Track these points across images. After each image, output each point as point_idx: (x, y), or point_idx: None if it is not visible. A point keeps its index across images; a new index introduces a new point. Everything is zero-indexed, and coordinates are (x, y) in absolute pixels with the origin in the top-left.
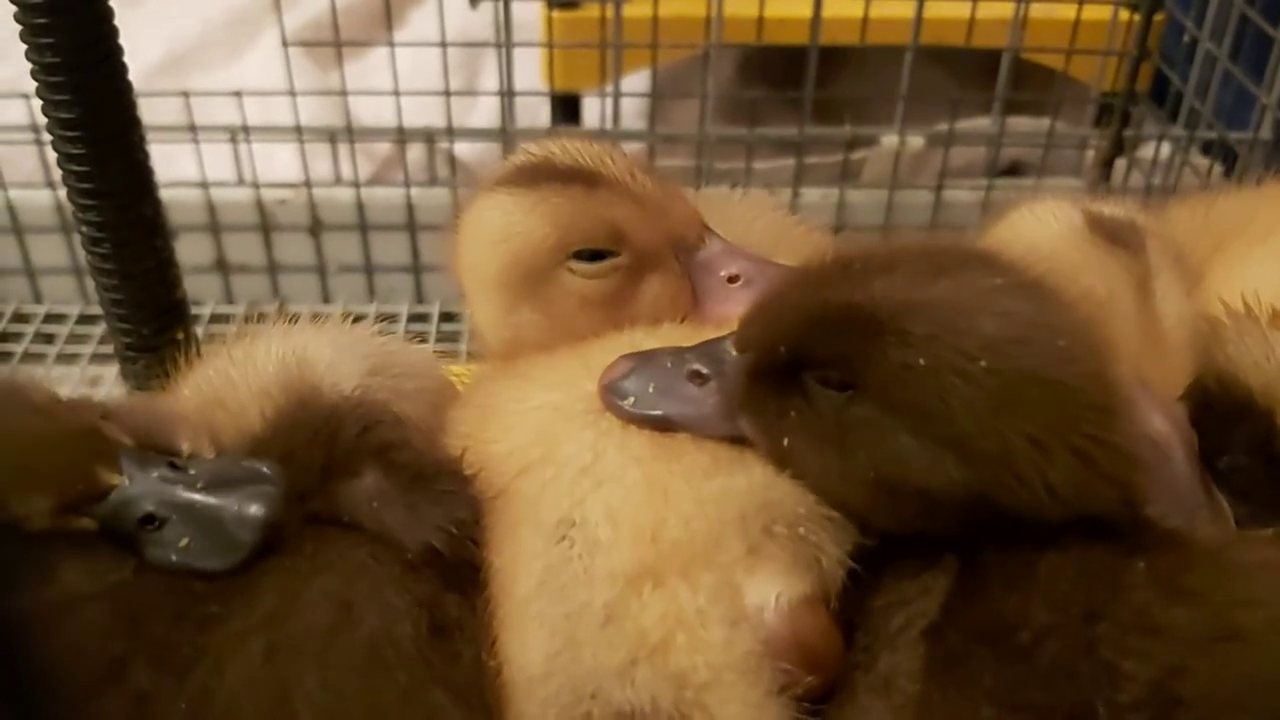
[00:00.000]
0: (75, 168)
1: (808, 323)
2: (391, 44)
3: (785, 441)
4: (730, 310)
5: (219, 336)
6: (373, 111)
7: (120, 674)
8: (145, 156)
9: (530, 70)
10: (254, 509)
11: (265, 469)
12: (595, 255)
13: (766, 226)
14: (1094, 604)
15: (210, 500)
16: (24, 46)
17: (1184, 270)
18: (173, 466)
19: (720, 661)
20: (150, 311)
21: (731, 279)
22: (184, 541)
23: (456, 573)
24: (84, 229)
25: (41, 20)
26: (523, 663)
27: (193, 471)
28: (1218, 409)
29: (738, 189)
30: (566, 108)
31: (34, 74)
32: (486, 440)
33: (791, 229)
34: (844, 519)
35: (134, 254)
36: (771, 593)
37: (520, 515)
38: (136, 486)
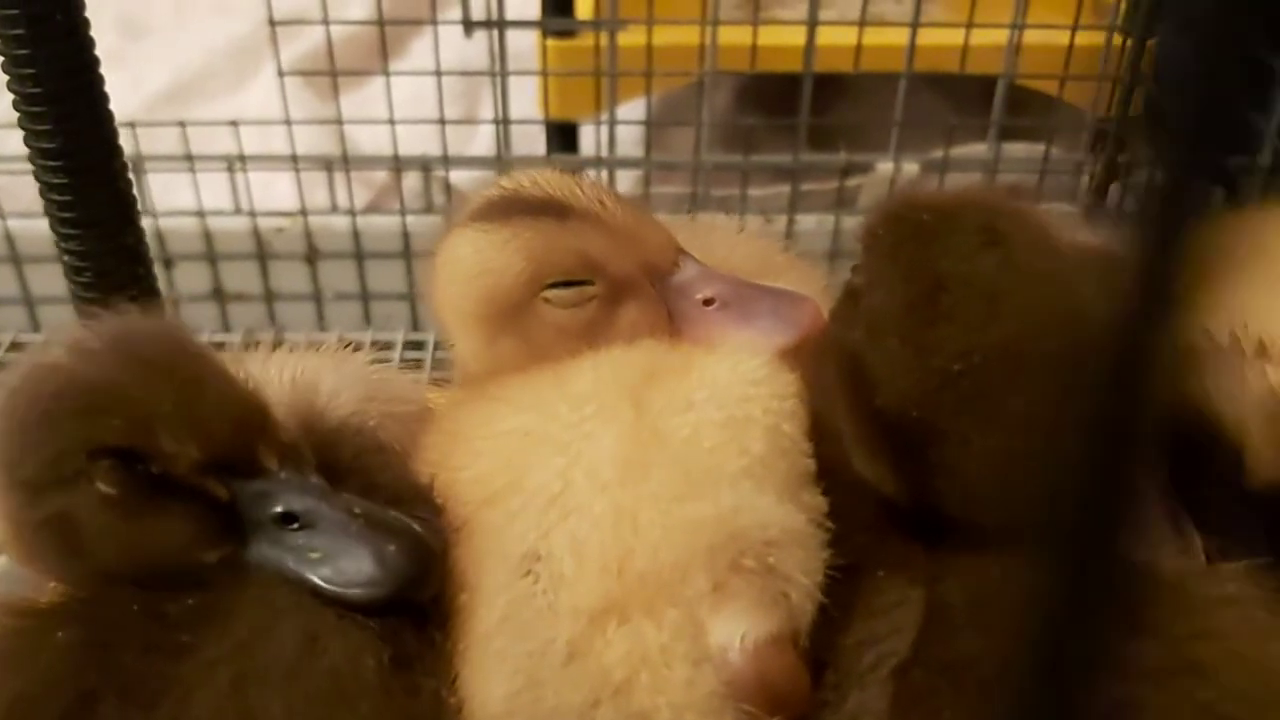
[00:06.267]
0: (57, 197)
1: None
2: (386, 73)
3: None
4: (707, 333)
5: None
6: (374, 140)
7: (89, 709)
8: (128, 186)
9: (531, 99)
10: (400, 557)
11: (419, 528)
12: (570, 285)
13: (749, 252)
14: None
15: (362, 529)
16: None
17: None
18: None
19: (682, 702)
20: None
21: (707, 301)
22: (315, 554)
23: (420, 604)
24: (66, 258)
25: (23, 51)
26: (483, 700)
27: (346, 497)
28: (1191, 440)
29: (732, 215)
30: (563, 136)
31: (15, 104)
32: (454, 467)
33: (775, 254)
34: (816, 539)
35: (116, 283)
36: (737, 632)
37: (486, 547)
38: (292, 483)
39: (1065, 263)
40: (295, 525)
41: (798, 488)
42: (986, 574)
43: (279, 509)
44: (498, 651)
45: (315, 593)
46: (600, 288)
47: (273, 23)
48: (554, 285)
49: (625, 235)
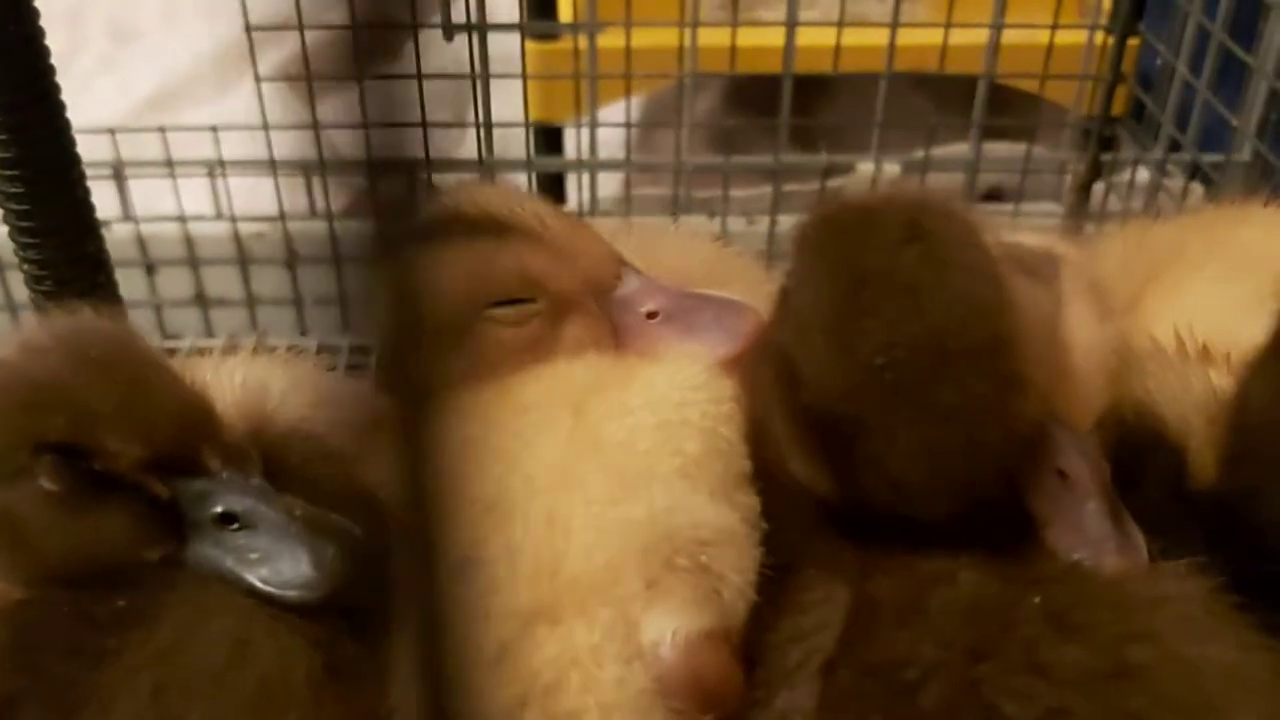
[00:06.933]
0: (15, 206)
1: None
2: (360, 77)
3: None
4: (651, 345)
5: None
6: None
7: (11, 714)
8: (86, 194)
9: (518, 102)
10: (338, 560)
11: (359, 531)
12: (513, 304)
13: (701, 258)
14: (981, 641)
15: (302, 531)
16: None
17: (1098, 298)
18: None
19: (611, 701)
20: None
21: (650, 314)
22: (254, 555)
23: (357, 611)
24: (26, 267)
25: None
26: (410, 705)
27: (287, 499)
28: (1133, 441)
29: (714, 216)
30: (549, 139)
31: None
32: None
33: (727, 260)
34: (749, 538)
35: (77, 291)
36: (668, 628)
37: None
38: (234, 484)
39: (989, 257)
40: (235, 526)
41: (732, 488)
42: (915, 572)
43: (219, 509)
44: None
45: (252, 593)
46: (542, 305)
47: (249, 28)
48: (496, 304)
49: (565, 252)
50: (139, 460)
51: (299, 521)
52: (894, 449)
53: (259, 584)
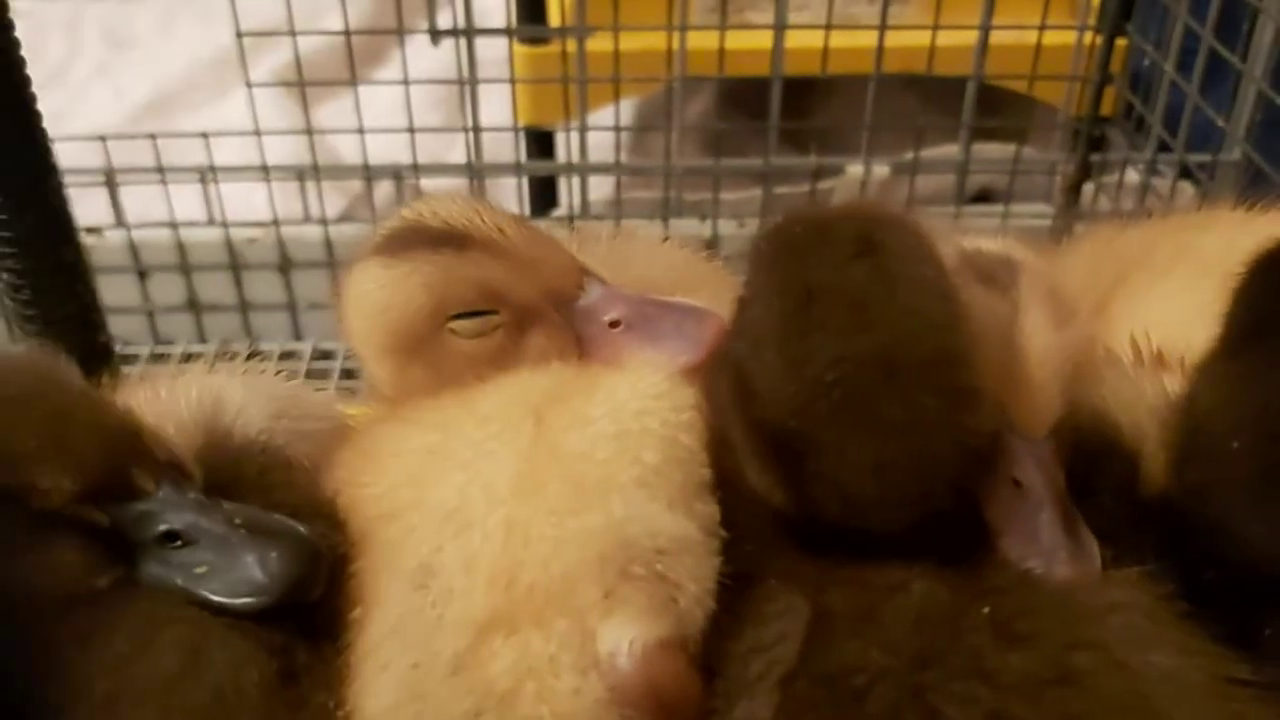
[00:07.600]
0: None
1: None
2: (354, 83)
3: None
4: (615, 355)
5: (141, 376)
6: (356, 149)
7: None
8: (62, 203)
9: (509, 106)
10: (284, 562)
11: (303, 530)
12: (474, 316)
13: (668, 265)
14: (927, 648)
15: (245, 539)
16: None
17: (1057, 304)
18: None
19: (566, 710)
20: (74, 357)
21: (613, 324)
22: (201, 569)
23: (313, 619)
24: (3, 276)
25: None
26: (366, 714)
27: (228, 506)
28: (1087, 448)
29: (705, 219)
30: (540, 142)
31: None
32: (361, 484)
33: (695, 266)
34: (706, 546)
35: (55, 300)
36: (625, 637)
37: (384, 561)
38: (170, 501)
39: (940, 271)
40: (179, 543)
41: (691, 497)
42: (868, 583)
43: (161, 528)
44: (383, 664)
45: (206, 606)
46: (505, 316)
47: (239, 34)
48: (458, 316)
49: (527, 262)
50: (73, 493)
51: (241, 530)
52: (844, 464)
53: (210, 597)
